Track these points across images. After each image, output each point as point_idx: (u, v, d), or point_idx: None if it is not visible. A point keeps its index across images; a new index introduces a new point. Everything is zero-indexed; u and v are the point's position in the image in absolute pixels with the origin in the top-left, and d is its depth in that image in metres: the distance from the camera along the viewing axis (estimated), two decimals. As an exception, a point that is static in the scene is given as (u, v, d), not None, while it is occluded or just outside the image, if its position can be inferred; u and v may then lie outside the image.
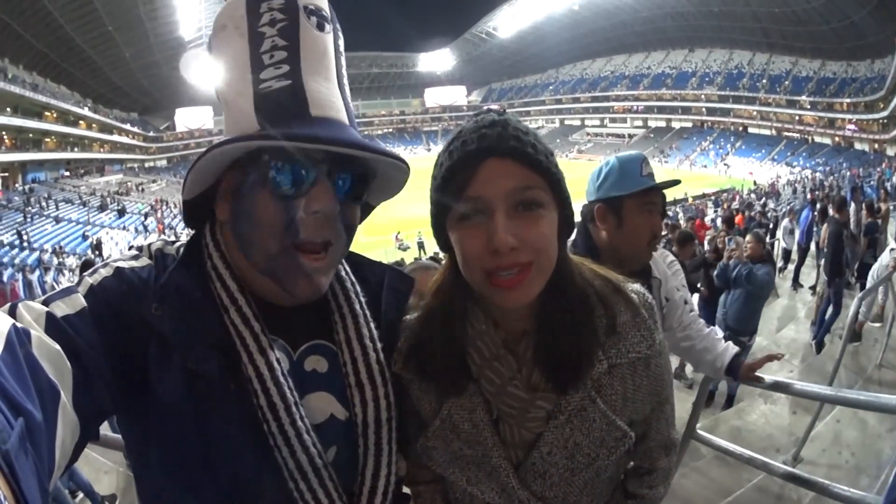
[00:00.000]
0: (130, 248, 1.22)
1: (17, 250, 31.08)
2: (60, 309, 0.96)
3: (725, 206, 32.25)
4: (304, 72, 1.09)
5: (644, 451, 1.39)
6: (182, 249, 1.18)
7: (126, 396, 1.01)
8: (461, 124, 1.13)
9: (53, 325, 0.92)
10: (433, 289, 1.30)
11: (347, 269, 1.34)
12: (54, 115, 61.00)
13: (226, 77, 1.13)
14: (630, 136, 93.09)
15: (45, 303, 0.96)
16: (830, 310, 8.47)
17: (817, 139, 68.30)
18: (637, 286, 1.31)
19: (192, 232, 1.24)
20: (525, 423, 1.20)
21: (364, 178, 1.16)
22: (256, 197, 1.06)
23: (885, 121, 55.48)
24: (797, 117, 71.12)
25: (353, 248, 1.29)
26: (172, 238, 1.33)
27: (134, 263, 1.11)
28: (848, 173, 44.79)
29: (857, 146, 62.22)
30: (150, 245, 1.19)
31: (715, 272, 6.80)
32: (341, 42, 1.22)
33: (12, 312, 0.90)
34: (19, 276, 23.31)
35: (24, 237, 33.41)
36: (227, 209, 1.12)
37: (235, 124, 1.10)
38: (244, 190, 1.08)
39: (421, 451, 1.29)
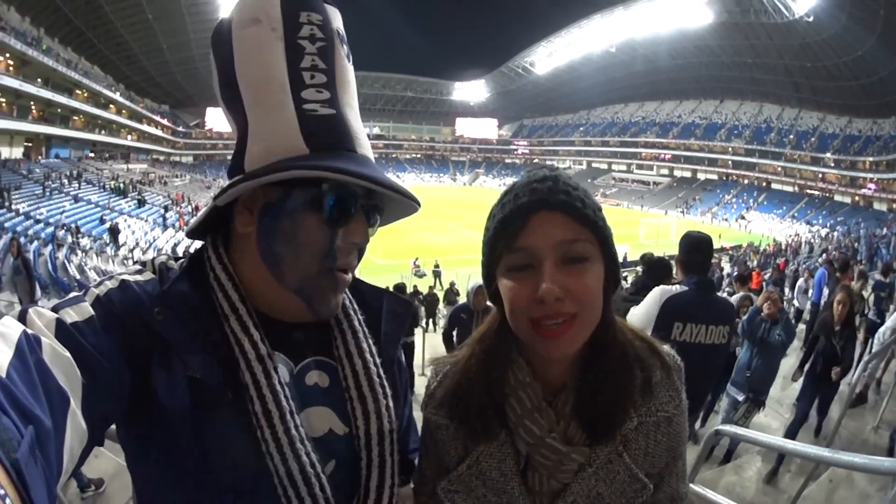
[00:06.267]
0: (134, 262, 1.24)
1: (31, 221, 31.40)
2: (70, 316, 0.96)
3: (742, 264, 32.01)
4: (341, 102, 1.12)
5: (653, 503, 1.35)
6: (186, 262, 1.19)
7: (131, 403, 1.02)
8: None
9: (63, 332, 0.92)
10: (477, 337, 1.32)
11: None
12: (85, 95, 61.55)
13: (257, 77, 1.11)
14: (655, 184, 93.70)
15: (54, 310, 0.97)
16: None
17: (838, 198, 68.78)
18: (668, 348, 1.33)
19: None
20: (557, 473, 1.21)
21: (382, 212, 1.22)
22: (304, 220, 1.09)
23: (907, 179, 56.00)
24: (820, 175, 71.60)
25: (372, 270, 1.24)
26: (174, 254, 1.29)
27: (139, 277, 1.12)
28: (863, 231, 44.78)
29: (877, 206, 62.65)
30: (153, 260, 1.20)
31: (739, 327, 6.55)
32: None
33: (22, 318, 0.90)
34: (31, 246, 23.46)
35: (6, 200, 33.31)
36: (251, 222, 1.14)
37: (275, 138, 1.10)
38: (286, 209, 1.09)
39: (442, 493, 1.29)
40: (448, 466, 1.29)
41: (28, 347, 0.80)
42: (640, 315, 4.00)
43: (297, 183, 1.07)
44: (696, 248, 4.21)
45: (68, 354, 0.88)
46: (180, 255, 1.25)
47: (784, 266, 21.14)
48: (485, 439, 1.24)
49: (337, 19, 1.15)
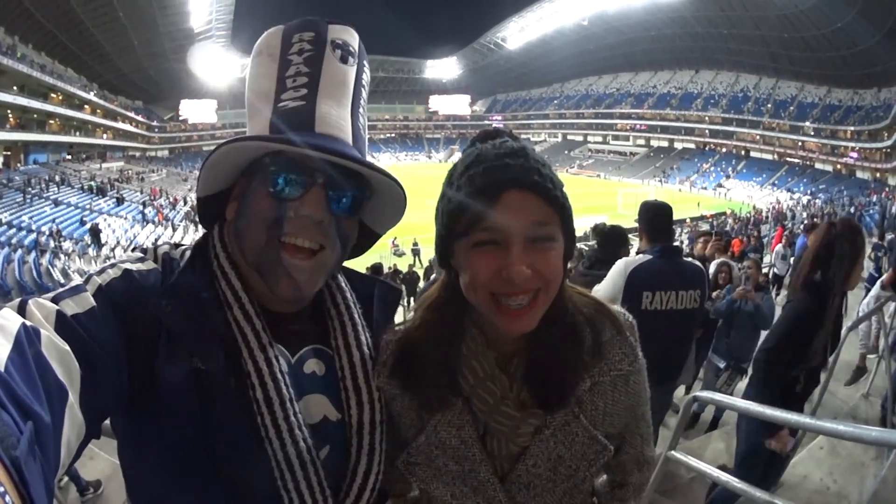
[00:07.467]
0: (134, 248, 1.28)
1: (14, 230, 31.00)
2: (70, 307, 0.96)
3: (719, 227, 32.11)
4: (319, 96, 1.17)
5: (617, 465, 1.43)
6: (190, 251, 1.23)
7: (131, 394, 1.03)
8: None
9: (63, 324, 0.92)
10: (427, 305, 1.32)
11: (345, 280, 1.40)
12: (60, 98, 60.70)
13: (255, 95, 1.22)
14: (632, 155, 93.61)
15: (55, 300, 0.97)
16: None
17: (819, 166, 68.58)
18: (619, 307, 1.35)
19: (189, 226, 1.31)
20: (515, 438, 1.23)
21: (361, 195, 1.21)
22: (256, 194, 1.13)
23: (889, 150, 55.87)
24: (800, 143, 71.32)
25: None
26: (175, 241, 1.39)
27: (141, 266, 1.14)
28: (846, 200, 45.05)
29: (859, 174, 62.55)
30: (156, 248, 1.23)
31: (713, 307, 6.49)
32: (366, 76, 1.31)
33: (22, 310, 0.90)
34: (15, 255, 23.31)
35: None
36: (234, 209, 1.19)
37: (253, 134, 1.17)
38: (249, 190, 1.15)
39: (403, 466, 1.30)
40: (405, 439, 1.31)
41: (27, 340, 0.80)
42: (605, 289, 3.99)
43: (256, 168, 1.15)
44: (658, 215, 4.26)
45: (67, 347, 0.88)
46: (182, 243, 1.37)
47: (782, 231, 20.99)
48: (438, 408, 1.26)
49: (336, 32, 1.23)
